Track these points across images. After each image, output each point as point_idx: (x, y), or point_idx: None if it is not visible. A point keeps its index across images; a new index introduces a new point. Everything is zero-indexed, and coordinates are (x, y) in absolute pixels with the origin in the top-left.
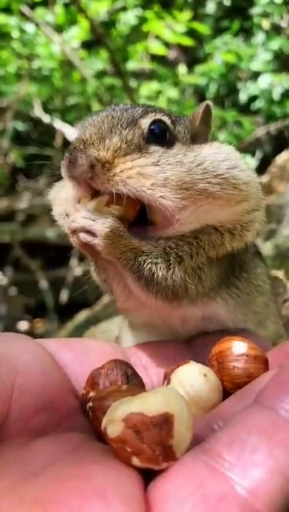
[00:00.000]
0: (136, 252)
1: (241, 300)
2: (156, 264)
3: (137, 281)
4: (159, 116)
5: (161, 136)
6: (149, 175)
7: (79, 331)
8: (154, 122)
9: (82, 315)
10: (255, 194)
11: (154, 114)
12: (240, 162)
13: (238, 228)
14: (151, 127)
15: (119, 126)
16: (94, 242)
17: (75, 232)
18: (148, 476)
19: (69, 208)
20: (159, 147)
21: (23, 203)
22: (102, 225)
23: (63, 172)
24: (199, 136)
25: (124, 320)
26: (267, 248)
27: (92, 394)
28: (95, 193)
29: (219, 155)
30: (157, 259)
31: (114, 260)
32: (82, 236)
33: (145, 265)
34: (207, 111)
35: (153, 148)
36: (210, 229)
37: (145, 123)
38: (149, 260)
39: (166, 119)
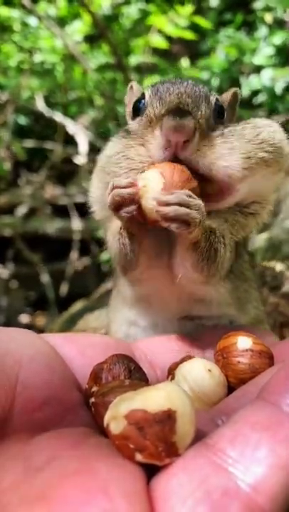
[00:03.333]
0: (209, 232)
1: (232, 285)
2: (220, 243)
3: (200, 261)
4: (216, 96)
5: (221, 113)
6: (220, 146)
7: (74, 321)
8: (217, 101)
9: (78, 305)
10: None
11: (214, 93)
12: (285, 136)
13: (258, 210)
14: (216, 105)
15: (202, 99)
16: (185, 230)
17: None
18: (151, 471)
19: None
20: (220, 123)
21: (25, 196)
22: (197, 213)
23: (167, 126)
24: (228, 117)
25: (114, 299)
26: (260, 240)
27: (95, 388)
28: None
29: (272, 127)
30: (220, 237)
31: (186, 242)
32: (174, 226)
33: (213, 244)
34: (235, 97)
35: (218, 123)
36: (236, 212)
37: (213, 99)
38: (216, 239)
39: (220, 99)
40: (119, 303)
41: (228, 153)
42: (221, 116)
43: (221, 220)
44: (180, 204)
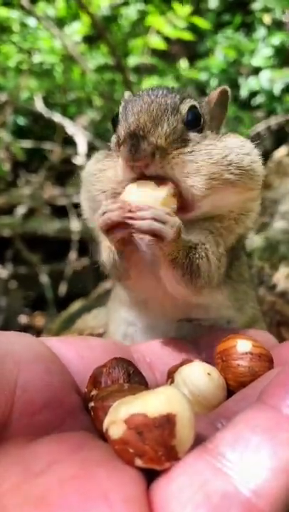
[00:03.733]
0: (189, 248)
1: (231, 288)
2: (201, 258)
3: (181, 277)
4: (192, 102)
5: (196, 121)
6: (187, 164)
7: (72, 320)
8: (190, 109)
9: (77, 305)
10: (260, 185)
11: (189, 100)
12: (258, 157)
13: (241, 217)
14: (188, 113)
15: (166, 112)
16: (158, 244)
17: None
18: (151, 475)
19: (119, 189)
20: (194, 133)
21: (24, 196)
22: (172, 229)
23: (124, 155)
24: (214, 118)
25: (112, 300)
26: (258, 240)
27: (94, 392)
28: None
29: (244, 149)
30: (201, 252)
31: (164, 257)
32: (147, 241)
33: (193, 259)
34: (224, 95)
35: (190, 134)
36: (221, 217)
37: (184, 109)
38: (197, 256)
39: (197, 104)
40: (117, 303)
41: (193, 173)
42: (195, 124)
43: (206, 232)
44: (155, 219)
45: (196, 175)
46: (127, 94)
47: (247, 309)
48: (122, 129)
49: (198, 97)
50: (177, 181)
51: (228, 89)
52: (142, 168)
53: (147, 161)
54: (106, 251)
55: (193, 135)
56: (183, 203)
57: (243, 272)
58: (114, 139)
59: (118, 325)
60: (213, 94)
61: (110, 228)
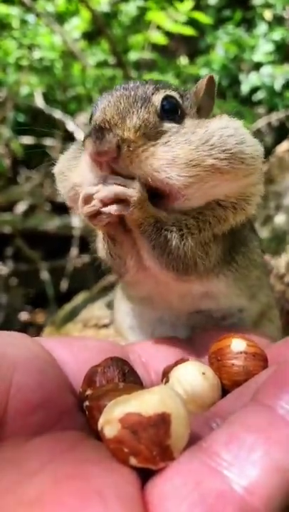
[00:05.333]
0: (155, 219)
1: (239, 274)
2: (171, 232)
3: (152, 250)
4: (168, 92)
5: (172, 111)
6: (161, 155)
7: (75, 313)
8: (165, 98)
9: (80, 297)
10: (260, 168)
11: (164, 90)
12: (248, 137)
13: (240, 203)
14: (163, 104)
15: (136, 104)
16: (125, 210)
17: (96, 214)
18: (145, 475)
19: (86, 186)
20: (171, 123)
21: (24, 193)
22: (135, 191)
23: (88, 149)
24: (203, 108)
25: (119, 290)
26: (264, 232)
27: (89, 392)
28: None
29: (227, 130)
30: (173, 227)
31: (134, 227)
32: (114, 208)
33: (162, 232)
34: (211, 83)
35: (166, 125)
36: (213, 204)
37: (157, 100)
38: (165, 228)
39: (175, 94)
40: (122, 295)
41: (168, 163)
42: (172, 114)
43: (188, 216)
44: (116, 184)
45: (171, 165)
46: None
47: (261, 297)
48: (90, 126)
49: (180, 88)
50: (151, 176)
51: (215, 77)
52: (110, 163)
53: (113, 154)
54: (101, 242)
55: (170, 126)
56: (166, 194)
57: (256, 257)
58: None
59: (124, 316)
60: (201, 84)
61: (95, 214)
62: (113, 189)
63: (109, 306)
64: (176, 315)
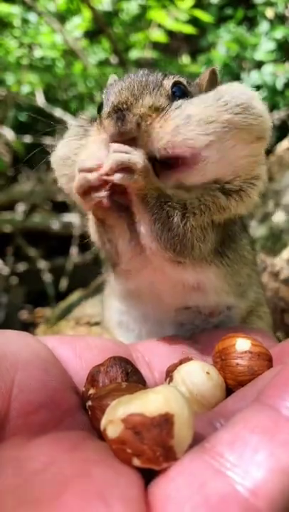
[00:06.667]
0: (159, 192)
1: (230, 269)
2: (174, 209)
3: (153, 225)
4: (177, 78)
5: (181, 96)
6: (175, 118)
7: (70, 310)
8: (175, 84)
9: (76, 295)
10: (269, 134)
11: (173, 76)
12: (256, 94)
13: (245, 188)
14: (173, 89)
15: (148, 87)
16: (130, 178)
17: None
18: (149, 475)
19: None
20: None
21: (25, 192)
22: (140, 157)
23: (110, 130)
24: None
25: (109, 287)
26: (262, 230)
27: (92, 391)
28: None
29: (237, 88)
30: (176, 205)
31: (137, 199)
32: (118, 176)
33: (164, 207)
34: (213, 75)
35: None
36: (217, 192)
37: (167, 84)
38: (169, 204)
39: (183, 80)
40: (111, 292)
41: (184, 123)
42: (182, 98)
43: (192, 197)
44: (121, 152)
45: (187, 124)
46: (111, 78)
47: (250, 294)
48: (105, 108)
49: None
50: (170, 143)
51: (217, 70)
52: (130, 143)
53: (135, 133)
54: (92, 227)
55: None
56: (184, 162)
57: (246, 254)
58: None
59: (112, 313)
60: (204, 76)
61: (87, 190)
62: (118, 156)
63: (101, 303)
64: (164, 311)
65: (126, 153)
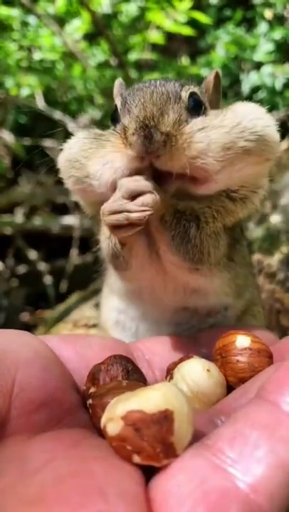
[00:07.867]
0: (174, 209)
1: (234, 272)
2: (189, 222)
3: (172, 240)
4: (192, 89)
5: (197, 108)
6: (196, 143)
7: (69, 312)
8: (191, 95)
9: (74, 297)
10: (276, 155)
11: (188, 87)
12: (272, 122)
13: (249, 195)
14: (190, 100)
15: (170, 100)
16: (151, 211)
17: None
18: (149, 472)
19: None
20: (198, 117)
21: (25, 194)
22: (153, 193)
23: (136, 147)
24: (212, 102)
25: (107, 287)
26: (259, 231)
27: (92, 390)
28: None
29: (256, 113)
30: (190, 217)
31: (155, 221)
32: (142, 216)
33: (181, 222)
34: (217, 78)
35: (194, 118)
36: (223, 198)
37: (185, 96)
38: (184, 217)
39: (197, 90)
40: (108, 291)
41: (204, 149)
42: (197, 110)
43: (202, 205)
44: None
45: (207, 150)
46: (118, 82)
47: (245, 294)
48: (127, 120)
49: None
50: (189, 166)
51: (220, 72)
52: (152, 159)
53: (160, 152)
54: (105, 242)
55: (197, 118)
56: (196, 179)
57: (245, 255)
58: (112, 132)
59: (109, 312)
60: (209, 80)
61: (118, 227)
62: (141, 201)
63: (98, 306)
64: (162, 311)
65: (140, 193)
